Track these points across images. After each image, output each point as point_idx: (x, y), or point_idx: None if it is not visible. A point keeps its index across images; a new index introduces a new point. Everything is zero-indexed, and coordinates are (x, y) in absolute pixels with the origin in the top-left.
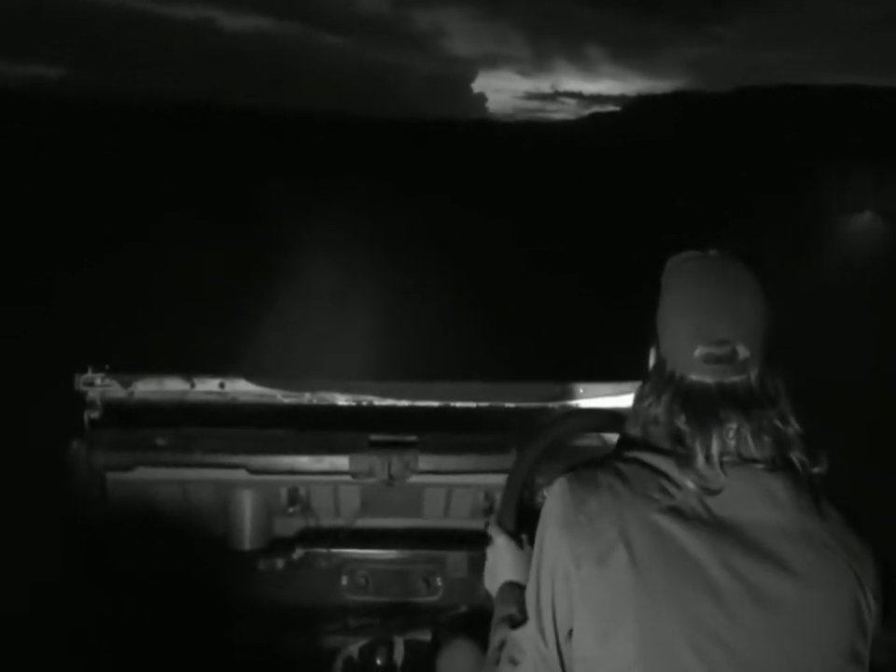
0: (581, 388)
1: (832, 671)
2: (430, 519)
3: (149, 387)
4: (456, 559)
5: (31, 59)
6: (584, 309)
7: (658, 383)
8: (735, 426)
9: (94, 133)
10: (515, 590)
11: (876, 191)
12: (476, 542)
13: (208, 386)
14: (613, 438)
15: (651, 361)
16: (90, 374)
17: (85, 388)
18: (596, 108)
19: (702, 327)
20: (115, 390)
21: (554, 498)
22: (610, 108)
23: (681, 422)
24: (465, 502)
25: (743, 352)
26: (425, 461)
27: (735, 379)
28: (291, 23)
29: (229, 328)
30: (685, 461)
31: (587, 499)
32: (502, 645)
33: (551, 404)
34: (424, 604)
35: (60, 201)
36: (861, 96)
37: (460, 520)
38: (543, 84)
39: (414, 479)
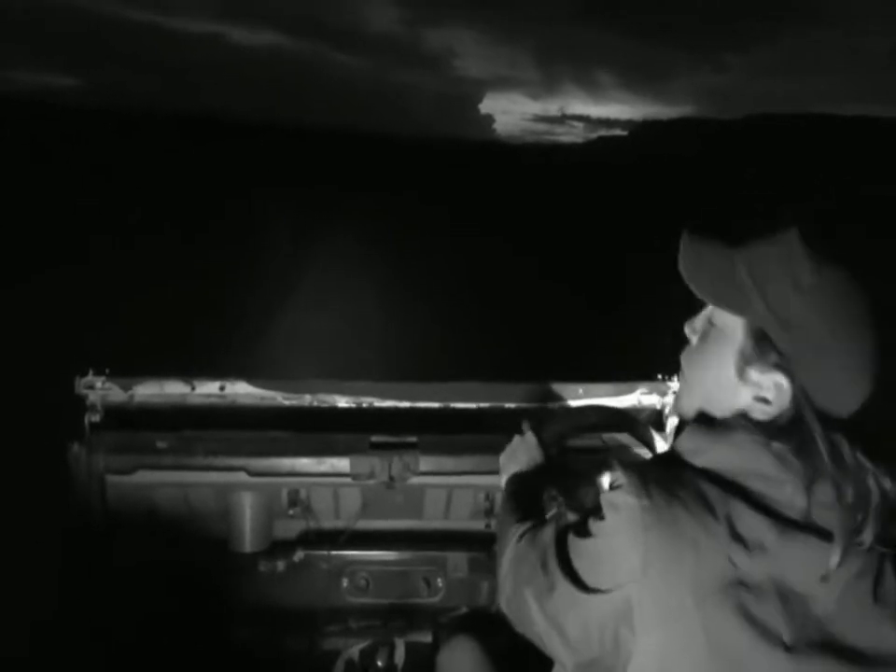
0: (580, 389)
1: None
2: (431, 520)
3: (150, 390)
4: (457, 560)
5: (46, 68)
6: (585, 315)
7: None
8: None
9: (106, 139)
10: (525, 483)
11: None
12: (477, 543)
13: (208, 389)
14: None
15: None
16: (90, 377)
17: (85, 391)
18: (604, 132)
19: (868, 367)
20: (115, 393)
21: (624, 532)
22: (618, 132)
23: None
24: (465, 503)
25: None
26: (425, 462)
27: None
28: (304, 40)
29: (229, 330)
30: (779, 521)
31: (664, 552)
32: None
33: (550, 405)
34: (424, 605)
35: (64, 203)
36: (873, 128)
37: (461, 521)
38: (551, 107)
39: (415, 480)
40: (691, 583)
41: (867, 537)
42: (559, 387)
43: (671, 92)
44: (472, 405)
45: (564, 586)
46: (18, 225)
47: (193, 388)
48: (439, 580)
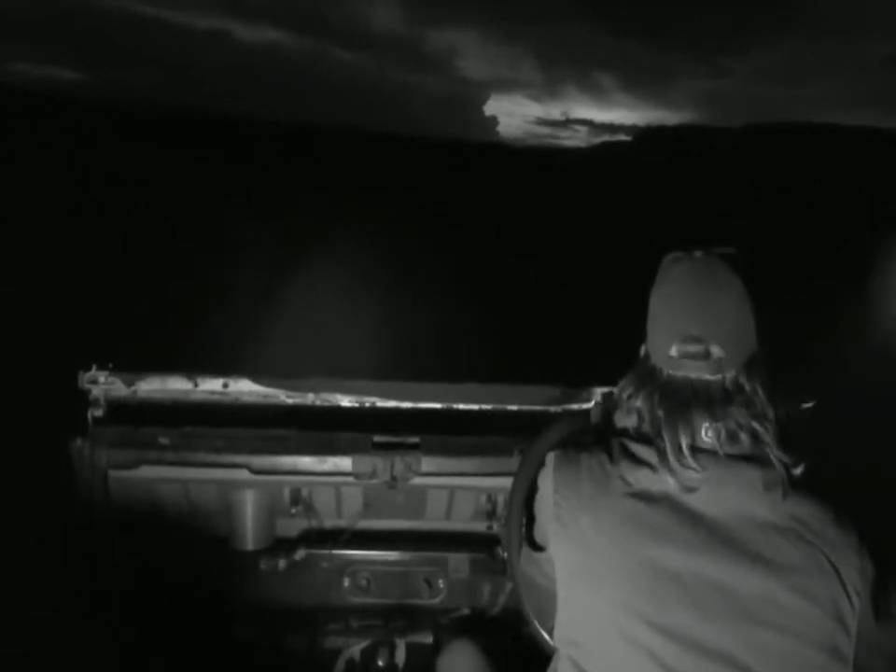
0: (583, 392)
1: (804, 661)
2: (432, 521)
3: (153, 386)
4: (458, 561)
5: (48, 62)
6: (587, 318)
7: (640, 375)
8: (706, 422)
9: (107, 134)
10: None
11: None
12: (478, 545)
13: (211, 386)
14: None
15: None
16: (93, 372)
17: (88, 386)
18: (607, 137)
19: (679, 325)
20: (118, 388)
21: (545, 474)
22: (621, 137)
23: (659, 414)
24: (467, 504)
25: (717, 352)
26: (427, 463)
27: (710, 377)
28: (307, 38)
29: (233, 327)
30: (660, 451)
31: (568, 480)
32: None
33: (553, 407)
34: (425, 606)
35: (66, 199)
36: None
37: (462, 522)
38: (555, 110)
39: (417, 480)
40: (587, 501)
41: (735, 451)
42: (561, 391)
43: (673, 97)
44: (475, 406)
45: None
46: (19, 220)
47: (196, 385)
48: (440, 581)
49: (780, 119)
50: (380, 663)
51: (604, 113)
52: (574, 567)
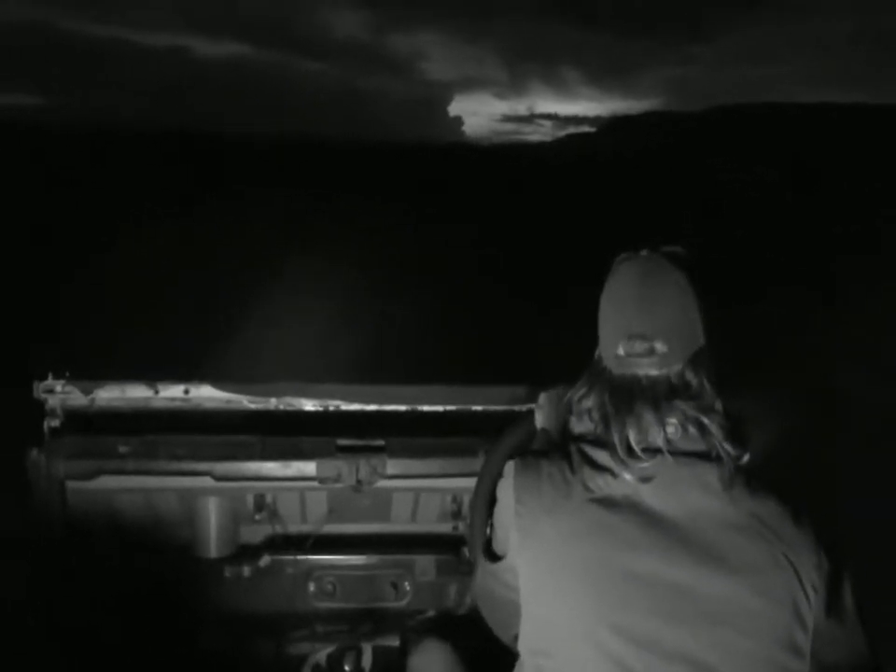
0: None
1: (766, 661)
2: (398, 523)
3: (112, 394)
4: (425, 563)
5: (7, 88)
6: (553, 316)
7: (592, 377)
8: (652, 418)
9: (70, 157)
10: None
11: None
12: (444, 546)
13: (172, 393)
14: None
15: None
16: (49, 381)
17: (44, 396)
18: (572, 129)
19: (625, 323)
20: (76, 397)
21: (504, 483)
22: (586, 129)
23: (608, 412)
24: (433, 506)
25: (661, 347)
26: (393, 465)
27: (655, 373)
28: (269, 50)
29: (193, 333)
30: (612, 449)
31: (528, 488)
32: None
33: (518, 407)
34: (392, 609)
35: (28, 213)
36: (834, 113)
37: (428, 524)
38: (520, 106)
39: (382, 483)
40: (549, 509)
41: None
42: (526, 391)
43: (638, 87)
44: (440, 408)
45: (482, 562)
46: None
47: (157, 392)
48: (406, 583)
49: (745, 100)
50: (346, 667)
51: (569, 106)
52: (538, 575)
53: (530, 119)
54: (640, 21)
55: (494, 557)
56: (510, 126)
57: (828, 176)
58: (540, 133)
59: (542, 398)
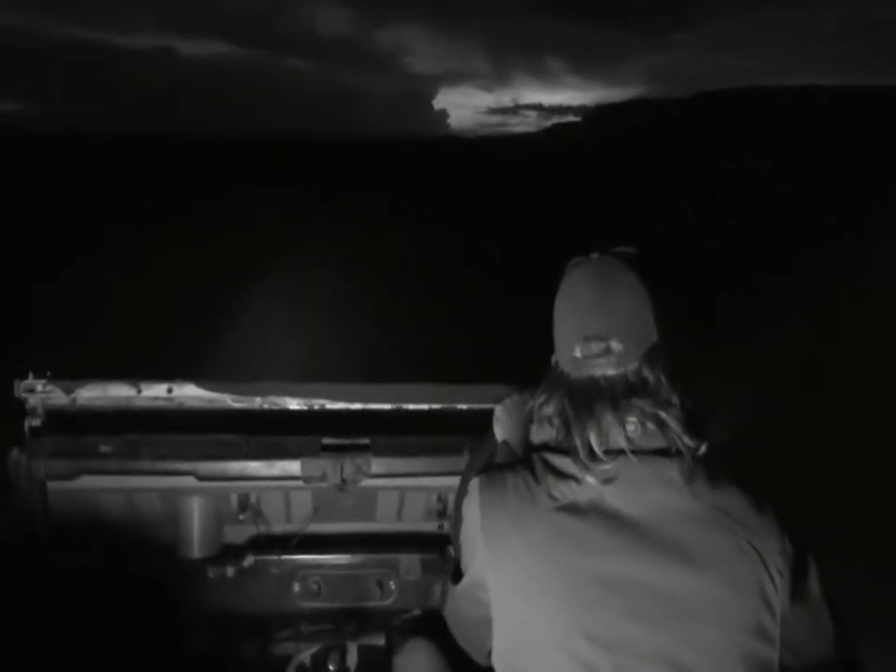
0: (527, 393)
1: (738, 651)
2: (383, 522)
3: (94, 393)
4: (410, 562)
5: None
6: (538, 314)
7: (551, 383)
8: (612, 419)
9: (54, 162)
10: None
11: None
12: (430, 545)
13: (155, 392)
14: None
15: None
16: (30, 380)
17: (25, 395)
18: (557, 119)
19: (579, 325)
20: (57, 397)
21: (470, 500)
22: (571, 118)
23: (569, 416)
24: (418, 504)
25: (617, 346)
26: (377, 464)
27: (612, 373)
28: (254, 49)
29: (177, 331)
30: (574, 453)
31: (494, 502)
32: None
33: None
34: (377, 608)
35: (12, 216)
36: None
37: (413, 522)
38: (504, 98)
39: (367, 482)
40: (516, 521)
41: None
42: (511, 390)
43: (622, 75)
44: (425, 406)
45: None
46: None
47: (139, 391)
48: (391, 582)
49: (728, 85)
50: (331, 667)
51: (554, 96)
52: (509, 587)
53: (515, 110)
54: (624, 9)
55: (462, 578)
56: (495, 118)
57: (815, 159)
58: (526, 124)
59: (498, 410)
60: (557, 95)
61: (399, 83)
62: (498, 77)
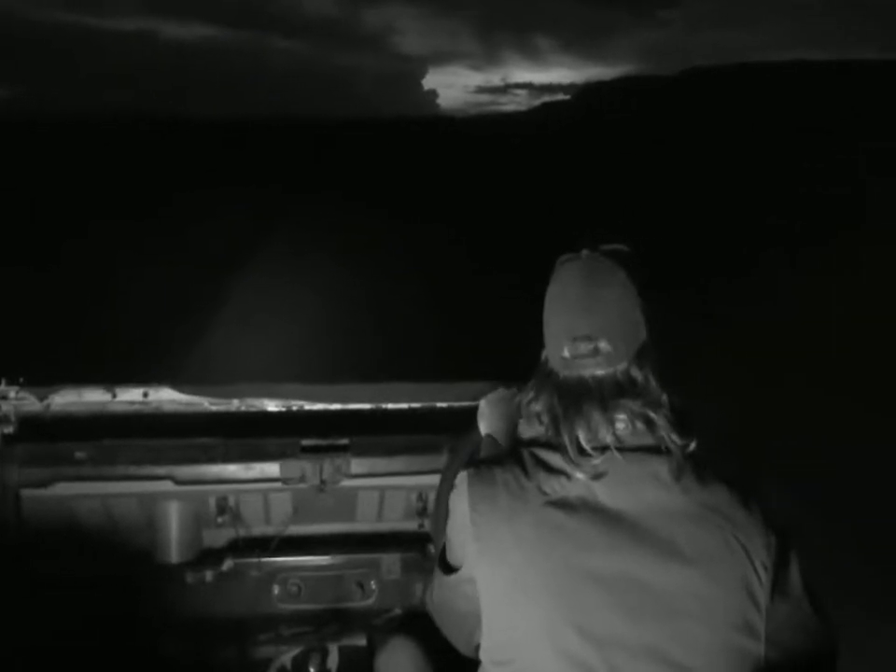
0: (513, 388)
1: (725, 645)
2: (364, 522)
3: (68, 399)
4: (390, 562)
5: None
6: (523, 307)
7: (540, 380)
8: (600, 417)
9: (38, 148)
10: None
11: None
12: (410, 544)
13: (131, 396)
14: None
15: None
16: (2, 387)
17: None
18: (547, 97)
19: (568, 325)
20: (30, 403)
21: (458, 494)
22: (561, 97)
23: (557, 414)
24: (398, 504)
25: (606, 347)
26: (357, 464)
27: (602, 373)
28: (239, 31)
29: (153, 335)
30: (563, 451)
31: (484, 496)
32: None
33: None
34: (358, 608)
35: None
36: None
37: (394, 522)
38: (494, 77)
39: (347, 483)
40: (507, 516)
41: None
42: (490, 387)
43: (611, 53)
44: (404, 406)
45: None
46: None
47: (115, 396)
48: (372, 582)
49: (716, 62)
50: (312, 669)
51: (543, 74)
52: (498, 583)
53: (504, 89)
54: None
55: (449, 569)
56: (485, 97)
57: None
58: (516, 103)
59: (483, 404)
60: (547, 74)
61: (388, 63)
62: (487, 56)
